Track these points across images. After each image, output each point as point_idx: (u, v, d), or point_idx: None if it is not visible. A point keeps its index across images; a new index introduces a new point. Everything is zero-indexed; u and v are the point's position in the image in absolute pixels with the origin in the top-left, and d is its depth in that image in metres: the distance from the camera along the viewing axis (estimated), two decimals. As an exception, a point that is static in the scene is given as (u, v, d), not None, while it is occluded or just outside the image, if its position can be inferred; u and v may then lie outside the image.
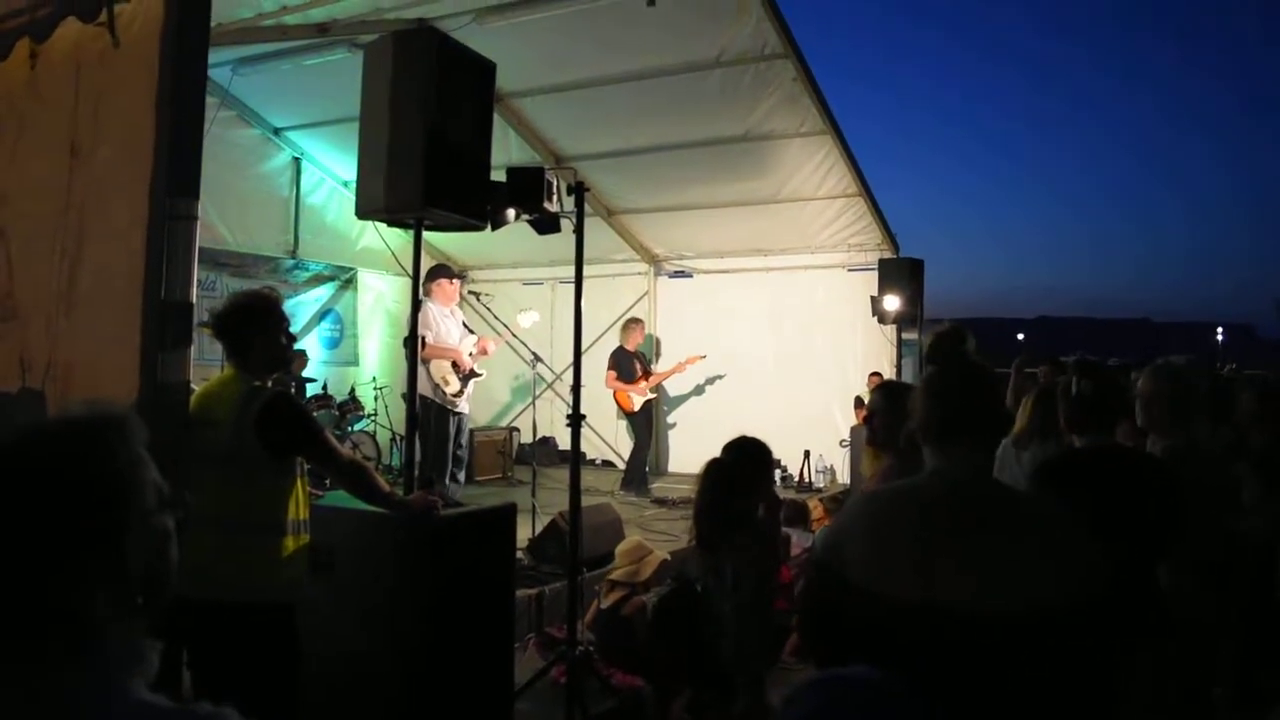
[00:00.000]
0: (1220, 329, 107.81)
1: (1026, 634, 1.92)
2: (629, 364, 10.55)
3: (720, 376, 11.62)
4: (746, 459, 4.03)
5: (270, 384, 3.49)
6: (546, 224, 4.94)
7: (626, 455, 10.98)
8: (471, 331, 8.18)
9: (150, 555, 1.21)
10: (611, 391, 10.51)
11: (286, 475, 3.35)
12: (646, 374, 10.69)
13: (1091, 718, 2.05)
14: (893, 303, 9.90)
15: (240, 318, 3.45)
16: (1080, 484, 3.23)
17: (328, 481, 6.20)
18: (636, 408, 10.44)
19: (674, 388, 11.91)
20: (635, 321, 11.01)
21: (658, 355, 12.18)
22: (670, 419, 12.19)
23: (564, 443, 10.95)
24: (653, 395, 10.68)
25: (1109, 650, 2.04)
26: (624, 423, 11.06)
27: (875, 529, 2.15)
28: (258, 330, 3.43)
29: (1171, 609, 3.17)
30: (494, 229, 4.72)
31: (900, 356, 10.86)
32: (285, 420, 3.35)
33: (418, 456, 4.87)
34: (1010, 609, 1.93)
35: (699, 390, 11.80)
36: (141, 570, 1.19)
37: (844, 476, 10.63)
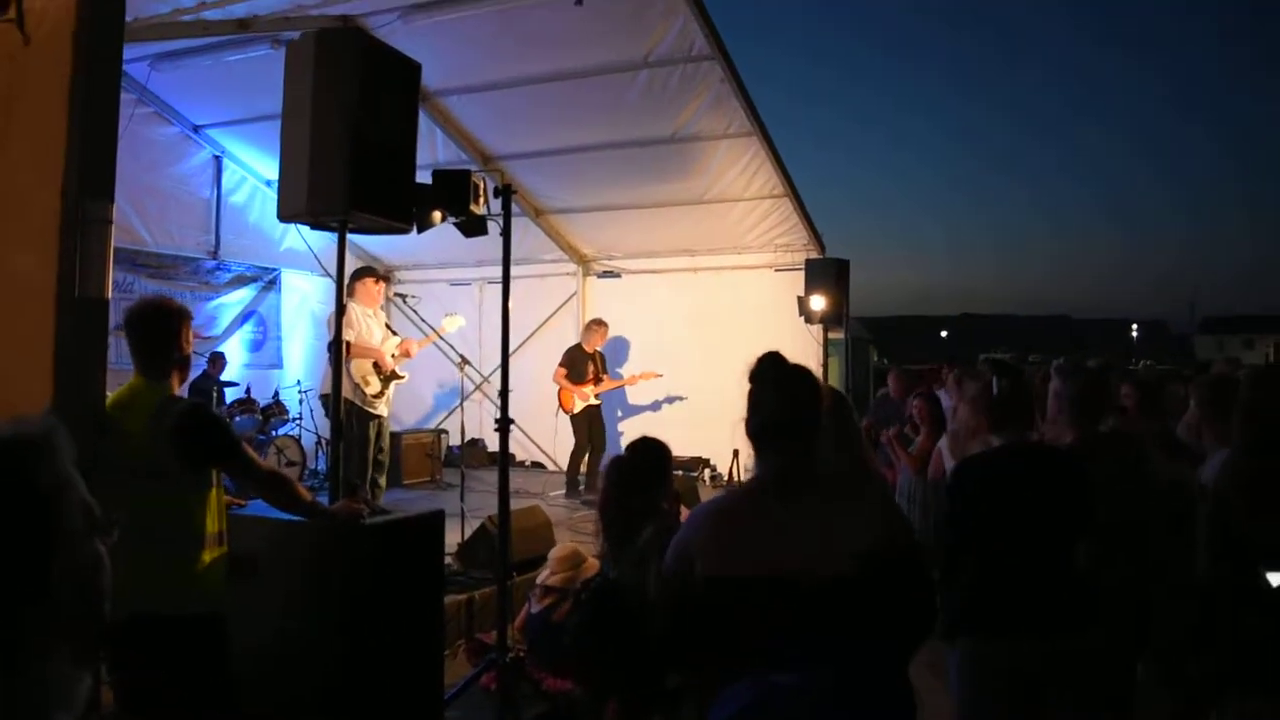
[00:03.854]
0: (1135, 325, 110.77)
1: (857, 587, 2.28)
2: (582, 364, 10.41)
3: (653, 378, 11.59)
4: (646, 457, 4.11)
5: (183, 393, 3.41)
6: (473, 227, 4.89)
7: (556, 455, 10.92)
8: (395, 333, 8.07)
9: (78, 582, 1.15)
10: (556, 389, 10.42)
11: (202, 486, 3.28)
12: (598, 378, 10.60)
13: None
14: (819, 303, 9.96)
15: (149, 325, 3.36)
16: (999, 481, 3.33)
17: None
18: (576, 410, 10.32)
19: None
20: (597, 322, 10.81)
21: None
22: (617, 423, 12.10)
23: (494, 445, 10.88)
24: (597, 401, 10.61)
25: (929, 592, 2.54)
26: (564, 422, 10.86)
27: (717, 524, 2.47)
28: (166, 338, 3.35)
29: (1095, 595, 3.27)
30: (419, 232, 4.66)
31: (827, 356, 10.96)
32: (202, 431, 3.28)
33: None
34: (839, 569, 2.28)
35: (631, 390, 11.77)
36: (69, 597, 1.14)
37: (773, 474, 10.69)
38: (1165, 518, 3.71)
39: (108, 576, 1.20)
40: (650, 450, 4.17)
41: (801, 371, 2.61)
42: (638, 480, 4.01)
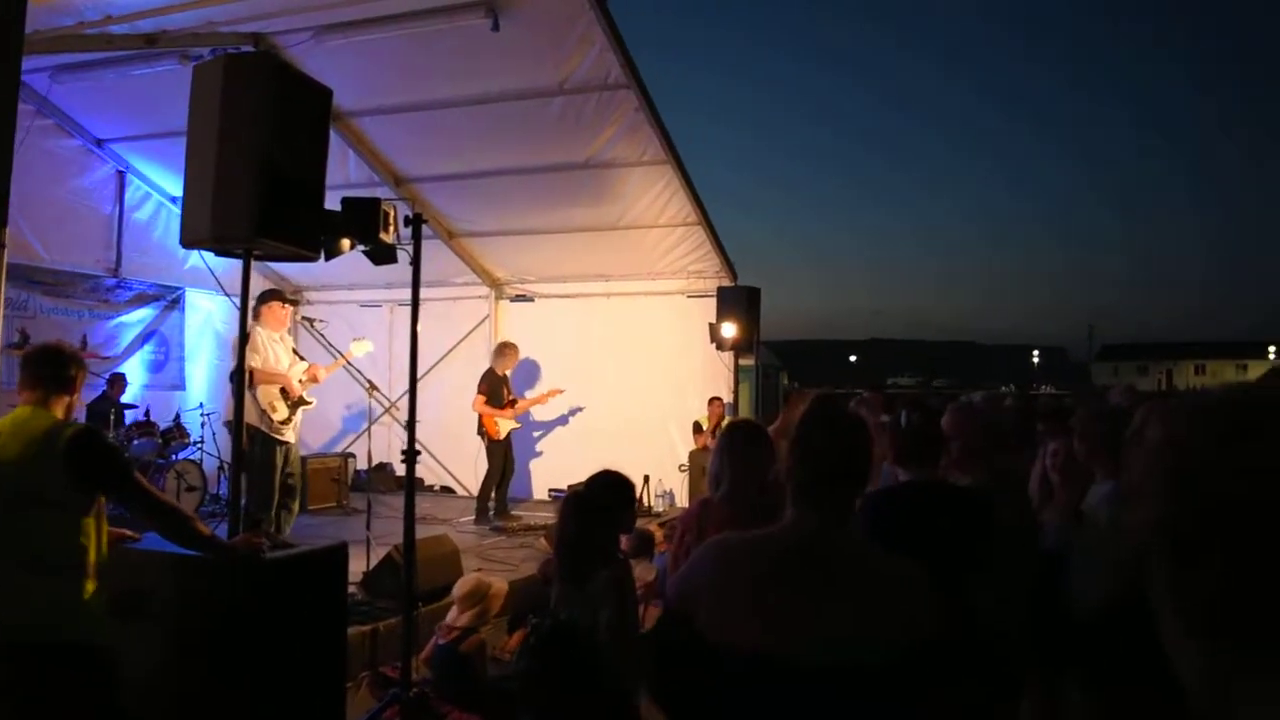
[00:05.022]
0: (1036, 352, 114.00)
1: (856, 686, 1.99)
2: (499, 389, 10.33)
3: (563, 394, 11.56)
4: (608, 491, 4.05)
5: (79, 416, 3.35)
6: (382, 255, 4.84)
7: (469, 481, 10.81)
8: (302, 358, 7.91)
9: None
10: (471, 414, 10.31)
11: (87, 514, 3.19)
12: (513, 402, 10.53)
13: None
14: (730, 330, 10.10)
15: (47, 361, 3.34)
16: (898, 519, 3.35)
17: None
18: (503, 435, 10.23)
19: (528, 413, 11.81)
20: (510, 345, 10.73)
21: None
22: (526, 445, 12.04)
23: (402, 470, 10.76)
24: (517, 425, 10.53)
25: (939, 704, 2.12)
26: (481, 447, 10.70)
27: (724, 577, 2.18)
28: (60, 374, 3.33)
29: (985, 638, 3.30)
30: (328, 259, 4.61)
31: (737, 382, 11.09)
32: (92, 455, 3.21)
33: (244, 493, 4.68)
34: (841, 662, 1.98)
35: (544, 414, 11.74)
36: None
37: (683, 500, 10.75)
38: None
39: None
40: (609, 484, 4.07)
41: (858, 424, 2.33)
42: (594, 516, 3.91)
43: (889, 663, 1.98)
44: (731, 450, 3.64)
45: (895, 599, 2.09)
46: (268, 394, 7.40)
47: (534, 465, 11.92)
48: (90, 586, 3.17)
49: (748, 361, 11.13)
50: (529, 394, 11.34)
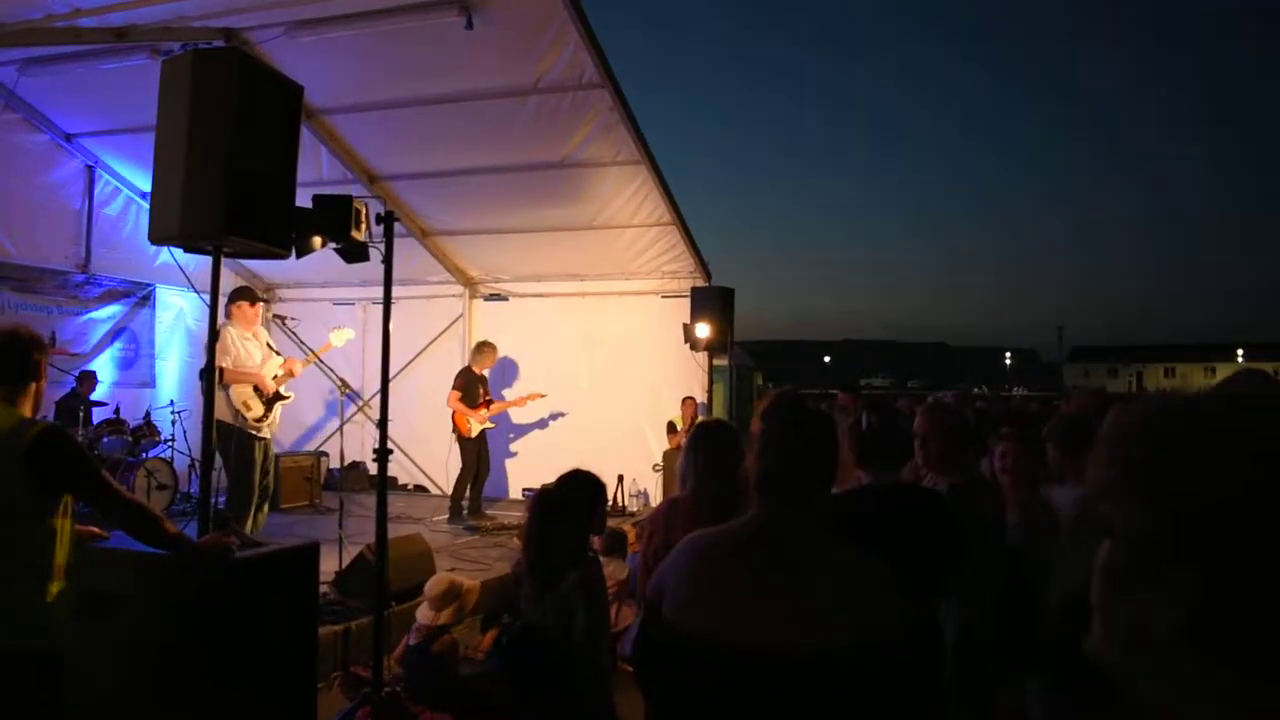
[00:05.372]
0: (1008, 354, 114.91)
1: (820, 673, 1.99)
2: (474, 388, 10.32)
3: (544, 399, 11.56)
4: (576, 490, 4.04)
5: (47, 415, 3.28)
6: (354, 253, 4.81)
7: (443, 479, 10.77)
8: (277, 353, 7.83)
9: None
10: (450, 412, 10.28)
11: (54, 514, 3.13)
12: (488, 401, 10.51)
13: None
14: (704, 330, 10.12)
15: (17, 351, 3.23)
16: (858, 522, 3.33)
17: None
18: (474, 433, 10.22)
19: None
20: (487, 345, 10.72)
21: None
22: (501, 445, 12.01)
23: (375, 468, 10.71)
24: (491, 425, 10.51)
25: (904, 693, 2.09)
26: (454, 444, 10.67)
27: (693, 569, 2.20)
28: (21, 364, 3.23)
29: (952, 639, 3.30)
30: (299, 257, 4.58)
31: (711, 382, 11.11)
32: (57, 454, 3.13)
33: (222, 489, 4.65)
34: (803, 649, 1.98)
35: (518, 414, 11.71)
36: None
37: (657, 500, 10.76)
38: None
39: None
40: (580, 484, 4.05)
41: (820, 417, 2.32)
42: (565, 515, 3.91)
43: (843, 648, 1.99)
44: (698, 449, 3.65)
45: (852, 586, 2.09)
46: (241, 393, 7.33)
47: (508, 464, 11.90)
48: (55, 589, 3.11)
49: (722, 362, 11.15)
50: (506, 393, 11.32)
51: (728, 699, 2.02)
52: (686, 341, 10.47)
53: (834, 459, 2.27)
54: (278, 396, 7.63)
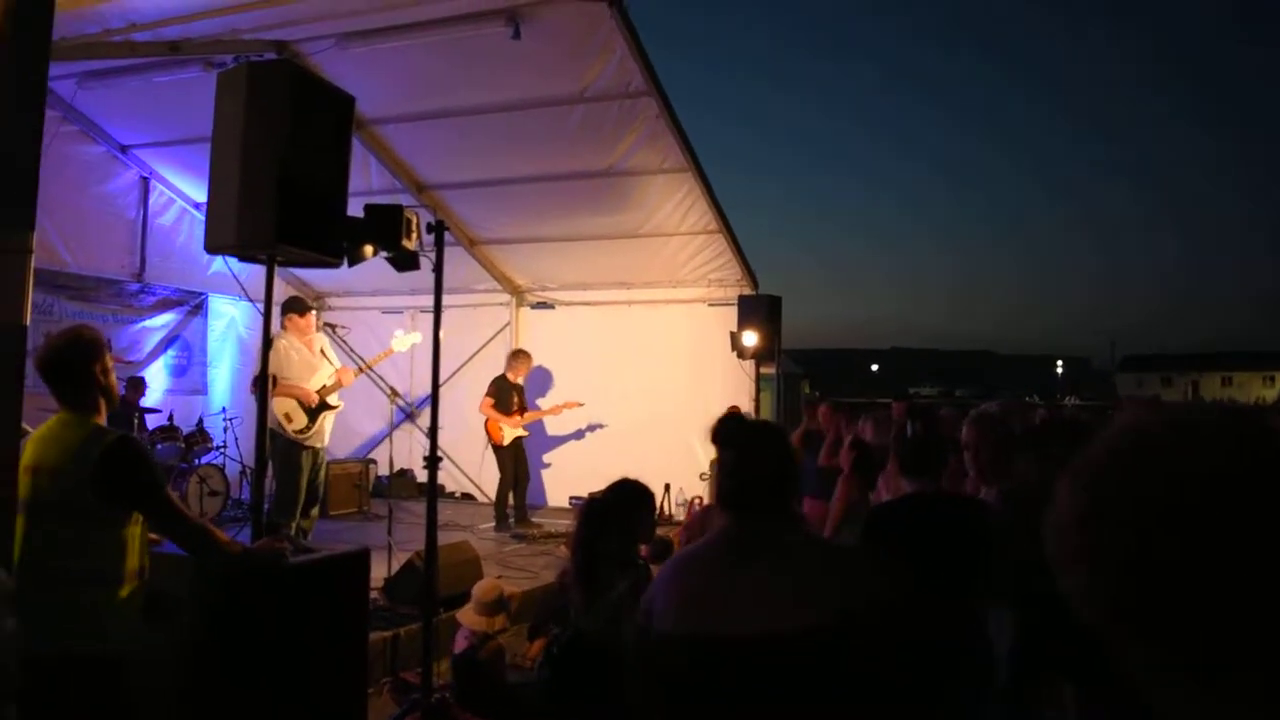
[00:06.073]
0: (1060, 362, 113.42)
1: (781, 654, 2.13)
2: (508, 395, 10.37)
3: (582, 407, 11.58)
4: (624, 498, 4.02)
5: (110, 426, 3.29)
6: (405, 262, 4.84)
7: (487, 487, 10.81)
8: (330, 361, 7.89)
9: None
10: (484, 419, 10.34)
11: (125, 525, 3.15)
12: (523, 409, 10.54)
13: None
14: (751, 338, 10.08)
15: (63, 361, 3.22)
16: (901, 532, 3.33)
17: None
18: (505, 441, 10.25)
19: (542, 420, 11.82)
20: (522, 353, 10.81)
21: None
22: (543, 453, 12.06)
23: (423, 476, 10.77)
24: (524, 432, 10.55)
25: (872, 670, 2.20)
26: (488, 453, 10.75)
27: (675, 578, 2.39)
28: (84, 370, 3.21)
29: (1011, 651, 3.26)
30: (350, 265, 4.61)
31: (759, 391, 11.06)
32: (127, 470, 3.14)
33: (269, 496, 4.69)
34: (766, 632, 2.14)
35: (562, 422, 11.74)
36: None
37: (705, 509, 10.72)
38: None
39: (16, 651, 1.16)
40: (629, 492, 3.99)
41: (765, 429, 2.52)
42: (613, 523, 3.89)
43: (803, 630, 2.13)
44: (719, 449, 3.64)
45: (814, 575, 2.25)
46: (283, 405, 7.36)
47: (553, 472, 11.92)
48: (124, 592, 3.14)
49: (769, 370, 11.08)
50: (541, 402, 11.36)
51: (704, 689, 2.18)
52: (734, 349, 10.44)
53: (787, 465, 2.42)
54: (324, 406, 7.64)
